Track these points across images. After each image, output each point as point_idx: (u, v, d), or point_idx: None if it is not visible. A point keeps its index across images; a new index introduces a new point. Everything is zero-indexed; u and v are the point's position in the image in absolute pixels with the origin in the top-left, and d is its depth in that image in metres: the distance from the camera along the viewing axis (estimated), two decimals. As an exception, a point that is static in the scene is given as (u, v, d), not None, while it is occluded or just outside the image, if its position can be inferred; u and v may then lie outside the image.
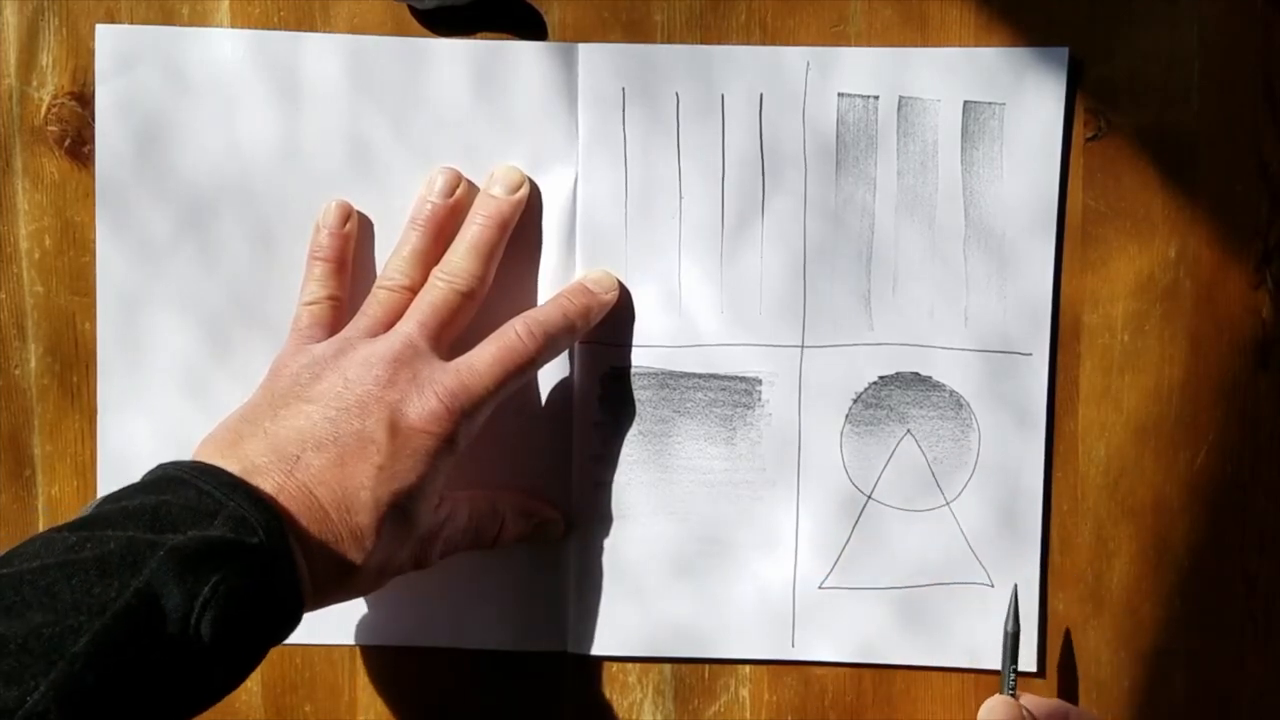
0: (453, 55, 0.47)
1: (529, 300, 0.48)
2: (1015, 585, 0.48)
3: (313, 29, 0.48)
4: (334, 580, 0.40)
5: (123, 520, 0.36)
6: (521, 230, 0.47)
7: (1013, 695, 0.46)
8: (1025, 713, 0.45)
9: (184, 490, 0.37)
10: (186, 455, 0.41)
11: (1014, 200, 0.47)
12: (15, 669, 0.32)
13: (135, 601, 0.34)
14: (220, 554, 0.35)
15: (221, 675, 0.37)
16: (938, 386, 0.48)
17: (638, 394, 0.48)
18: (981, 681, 0.49)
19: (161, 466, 0.39)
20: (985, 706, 0.47)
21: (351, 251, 0.47)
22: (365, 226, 0.48)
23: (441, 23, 0.48)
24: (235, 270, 0.48)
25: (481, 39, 0.48)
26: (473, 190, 0.47)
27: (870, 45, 0.47)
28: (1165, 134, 0.48)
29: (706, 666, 0.50)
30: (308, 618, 0.43)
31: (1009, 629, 0.47)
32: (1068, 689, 0.49)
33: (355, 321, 0.45)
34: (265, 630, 0.38)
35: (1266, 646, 0.49)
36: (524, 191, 0.47)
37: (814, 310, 0.48)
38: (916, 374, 0.48)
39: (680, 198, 0.48)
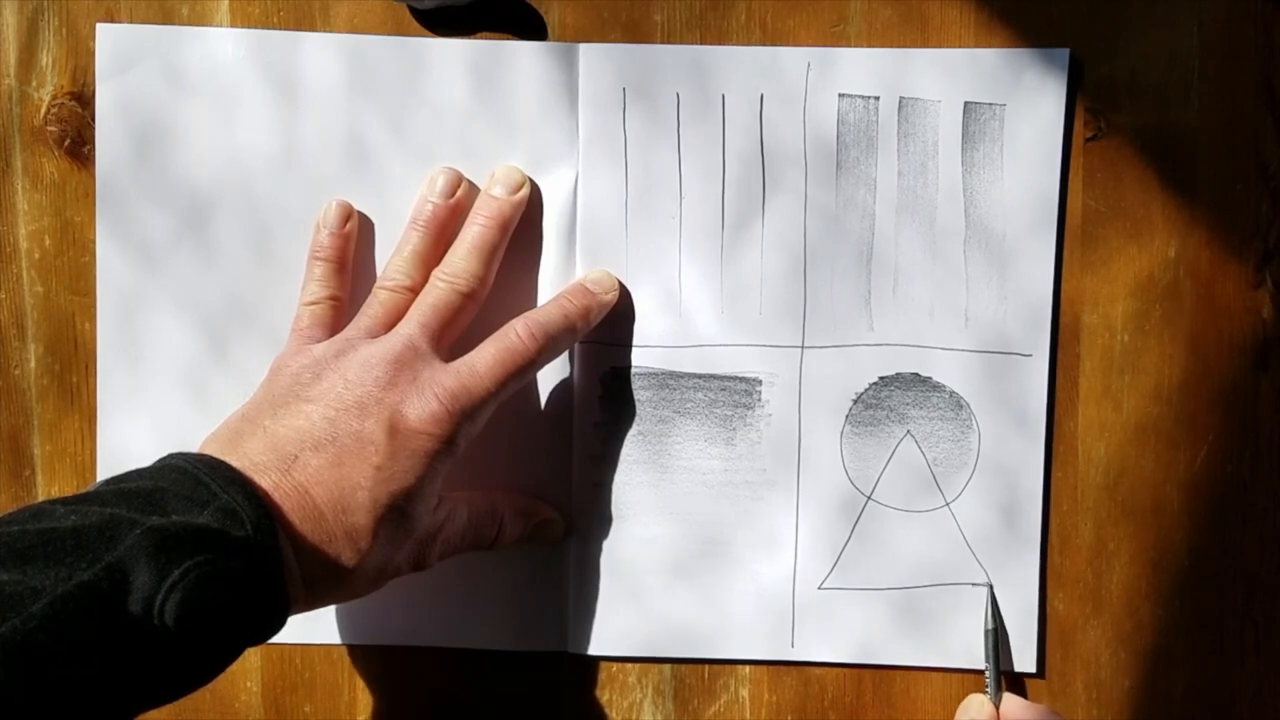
0: (452, 55, 0.47)
1: (529, 300, 0.48)
2: (990, 585, 0.48)
3: (312, 29, 0.48)
4: (328, 581, 0.40)
5: (115, 499, 0.36)
6: (522, 230, 0.47)
7: (992, 695, 0.47)
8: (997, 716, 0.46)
9: (183, 479, 0.37)
10: (186, 455, 0.41)
11: (1014, 201, 0.47)
12: None
13: (104, 574, 0.33)
14: (200, 541, 0.35)
15: (187, 664, 0.36)
16: (938, 387, 0.48)
17: (638, 394, 0.48)
18: (981, 682, 0.48)
19: (170, 456, 0.39)
20: (962, 706, 0.47)
21: (352, 251, 0.47)
22: (365, 226, 0.48)
23: (441, 23, 0.48)
24: (235, 270, 0.48)
25: (481, 39, 0.48)
26: (473, 190, 0.47)
27: (870, 45, 0.47)
28: (1165, 134, 0.48)
29: (706, 666, 0.50)
30: (308, 617, 0.43)
31: (988, 627, 0.47)
32: (1066, 689, 0.49)
33: (356, 322, 0.45)
34: (239, 624, 0.37)
35: (1266, 647, 0.49)
36: (525, 192, 0.47)
37: (814, 311, 0.48)
38: (916, 374, 0.48)
39: (680, 198, 0.48)
